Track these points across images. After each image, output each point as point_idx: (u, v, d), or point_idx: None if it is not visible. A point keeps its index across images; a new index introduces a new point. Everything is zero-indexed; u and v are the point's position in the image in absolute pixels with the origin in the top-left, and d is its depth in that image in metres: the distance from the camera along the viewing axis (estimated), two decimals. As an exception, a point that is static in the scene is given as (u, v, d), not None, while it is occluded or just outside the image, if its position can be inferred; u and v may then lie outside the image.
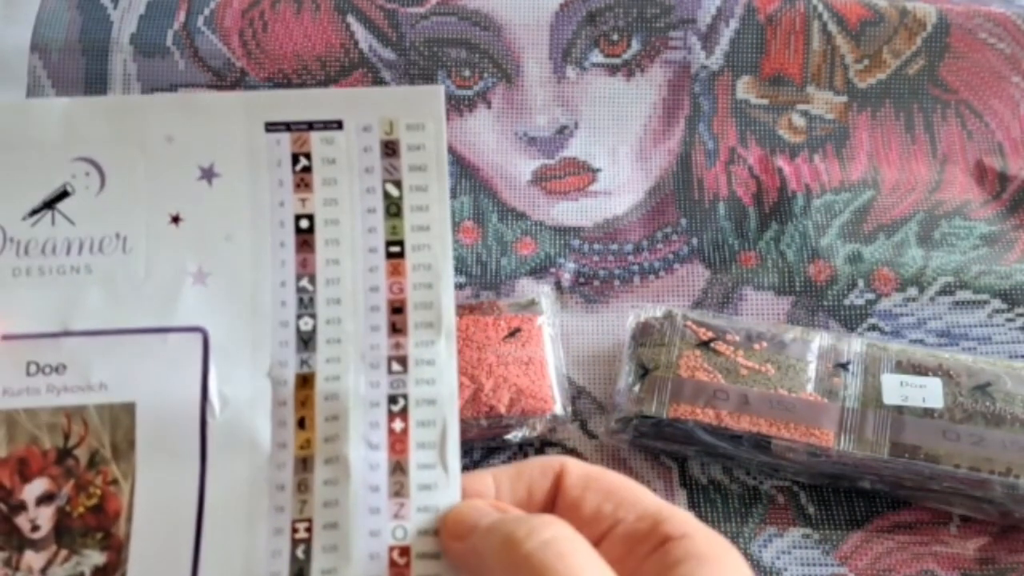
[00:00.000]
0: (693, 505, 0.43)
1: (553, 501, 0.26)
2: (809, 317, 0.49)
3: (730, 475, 0.44)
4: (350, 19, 0.56)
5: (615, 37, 0.56)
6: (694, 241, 0.52)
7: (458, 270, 0.51)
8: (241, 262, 0.27)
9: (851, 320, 0.49)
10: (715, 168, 0.55)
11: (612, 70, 0.56)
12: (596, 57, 0.56)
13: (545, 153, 0.55)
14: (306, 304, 0.27)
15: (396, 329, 0.27)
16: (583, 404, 0.47)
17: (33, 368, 0.27)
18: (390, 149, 0.28)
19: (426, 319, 0.27)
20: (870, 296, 0.49)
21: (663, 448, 0.44)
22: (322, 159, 0.28)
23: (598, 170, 0.55)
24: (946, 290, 0.49)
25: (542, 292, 0.49)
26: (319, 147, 0.28)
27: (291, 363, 0.27)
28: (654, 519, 0.25)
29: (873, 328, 0.48)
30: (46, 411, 0.26)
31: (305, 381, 0.27)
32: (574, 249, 0.52)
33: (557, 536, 0.23)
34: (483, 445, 0.45)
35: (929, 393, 0.42)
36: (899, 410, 0.41)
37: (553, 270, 0.51)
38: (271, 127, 0.28)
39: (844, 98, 0.56)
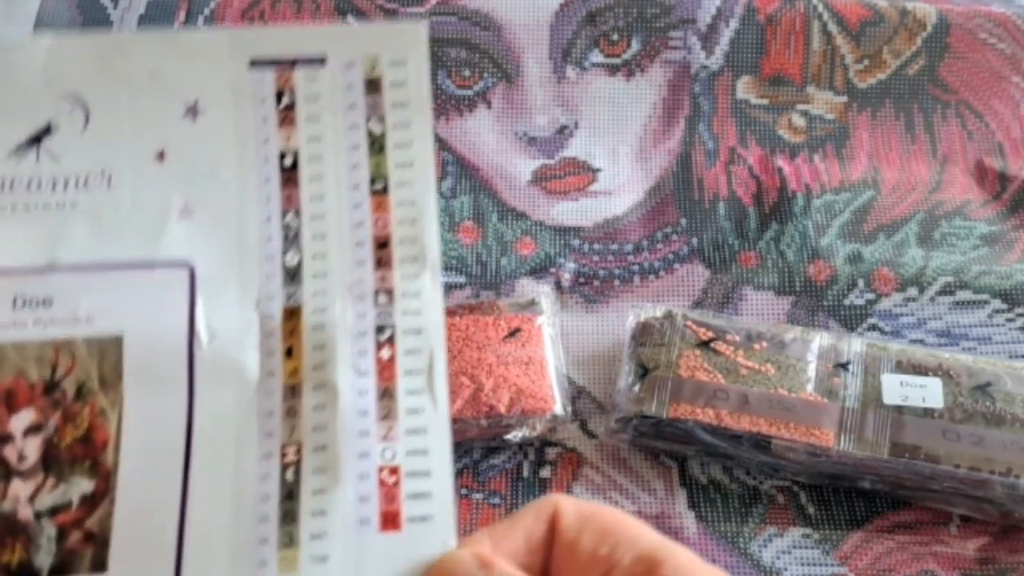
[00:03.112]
0: (693, 505, 0.43)
1: (551, 544, 0.26)
2: (809, 317, 0.49)
3: (730, 475, 0.44)
4: (350, 19, 0.56)
5: (615, 37, 0.56)
6: (694, 241, 0.52)
7: (458, 270, 0.51)
8: (226, 198, 0.28)
9: (851, 320, 0.49)
10: (715, 168, 0.55)
11: (612, 70, 0.56)
12: (596, 57, 0.56)
13: (545, 153, 0.55)
14: (291, 239, 0.28)
15: (381, 263, 0.28)
16: (583, 404, 0.47)
17: (20, 302, 0.27)
18: (373, 87, 0.28)
19: (411, 253, 0.28)
20: (870, 296, 0.49)
21: (663, 448, 0.44)
22: (306, 96, 0.28)
23: (598, 170, 0.55)
24: (946, 290, 0.49)
25: (542, 292, 0.49)
26: (303, 84, 0.28)
27: (278, 296, 0.27)
28: (651, 561, 0.24)
29: (873, 328, 0.48)
30: (33, 344, 0.26)
31: (292, 314, 0.27)
32: (574, 249, 0.52)
33: None
34: (483, 445, 0.45)
35: (929, 393, 0.42)
36: (899, 410, 0.41)
37: (553, 270, 0.51)
38: (255, 63, 0.28)
39: (844, 98, 0.56)
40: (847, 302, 0.49)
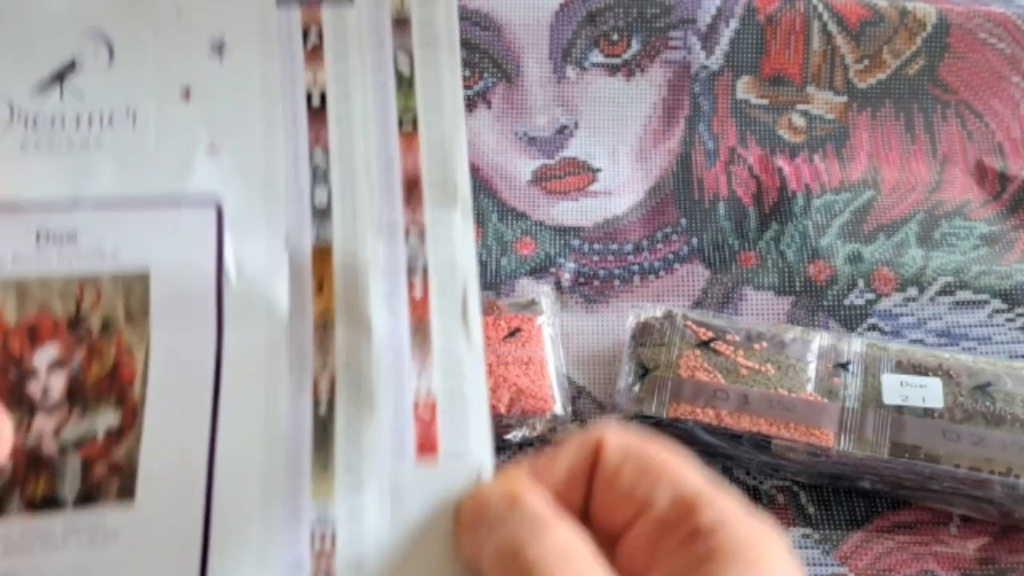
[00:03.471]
0: (693, 505, 0.43)
1: (593, 478, 0.24)
2: (809, 317, 0.49)
3: (730, 475, 0.44)
4: None
5: (615, 37, 0.56)
6: (694, 241, 0.52)
7: (458, 270, 0.51)
8: (253, 136, 0.27)
9: (851, 320, 0.49)
10: (715, 168, 0.55)
11: (612, 70, 0.56)
12: (596, 57, 0.56)
13: (545, 153, 0.55)
14: (320, 178, 0.27)
15: (411, 202, 0.27)
16: (583, 404, 0.47)
17: (44, 237, 0.26)
18: (401, 25, 0.28)
19: (441, 192, 0.27)
20: (870, 296, 0.49)
21: (663, 448, 0.44)
22: (333, 34, 0.28)
23: (598, 170, 0.55)
24: (946, 290, 0.49)
25: (542, 292, 0.49)
26: (330, 22, 0.28)
27: (307, 235, 0.27)
28: (688, 505, 0.22)
29: (873, 328, 0.48)
30: (57, 279, 0.26)
31: (322, 253, 0.27)
32: (574, 249, 0.52)
33: (557, 544, 0.21)
34: (483, 445, 0.45)
35: (929, 393, 0.42)
36: (899, 410, 0.41)
37: (553, 270, 0.51)
38: (282, 2, 0.28)
39: (844, 98, 0.56)
40: (847, 302, 0.49)
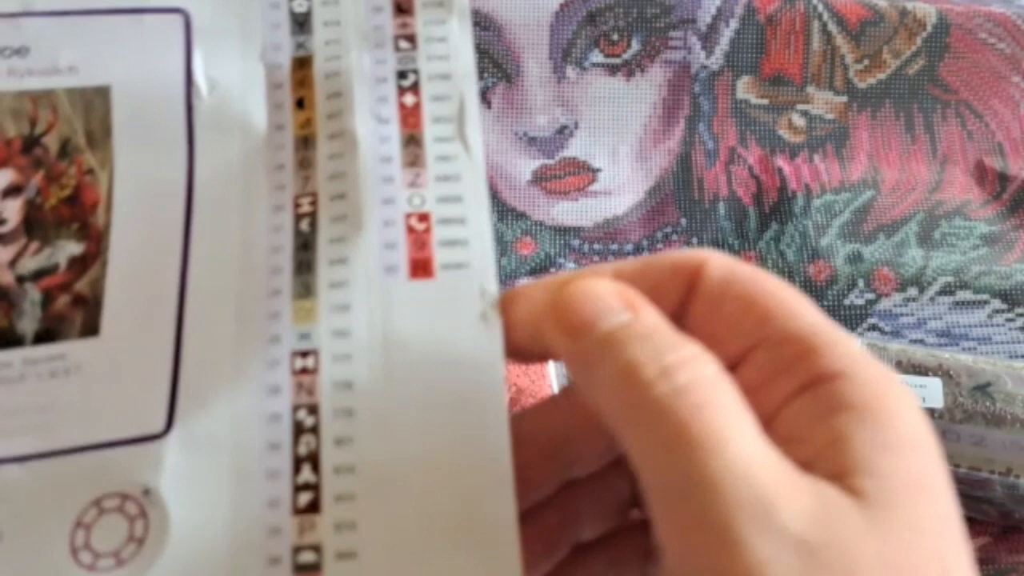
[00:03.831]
0: (693, 505, 0.43)
1: (683, 310, 0.20)
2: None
3: (730, 475, 0.44)
4: None
5: (615, 37, 0.56)
6: (694, 241, 0.52)
7: (458, 270, 0.51)
8: None
9: (851, 320, 0.49)
10: (715, 168, 0.55)
11: (612, 70, 0.56)
12: (596, 57, 0.56)
13: (545, 153, 0.55)
14: None
15: (401, 9, 0.25)
16: (583, 404, 0.47)
17: None
18: None
19: None
20: (870, 296, 0.49)
21: (663, 448, 0.44)
22: None
23: (598, 170, 0.55)
24: (946, 290, 0.49)
25: (542, 292, 0.49)
26: None
27: (286, 46, 0.25)
28: (805, 345, 0.19)
29: (873, 328, 0.48)
30: (8, 95, 0.24)
31: (302, 63, 0.25)
32: (574, 249, 0.52)
33: (698, 380, 0.17)
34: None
35: (929, 393, 0.42)
36: (899, 410, 0.41)
37: (553, 270, 0.51)
38: None
39: (844, 98, 0.56)
40: (847, 302, 0.49)
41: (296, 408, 0.21)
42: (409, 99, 0.24)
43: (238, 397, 0.21)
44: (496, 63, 0.56)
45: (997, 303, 0.49)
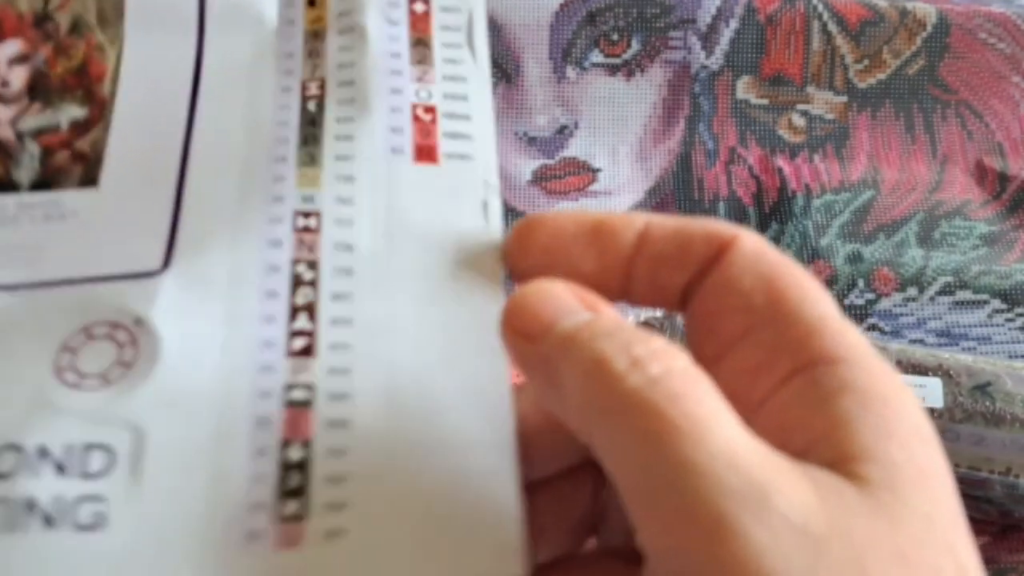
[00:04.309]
0: (693, 505, 0.43)
1: (700, 279, 0.20)
2: (809, 317, 0.49)
3: (730, 475, 0.44)
4: (350, 19, 0.56)
5: (615, 37, 0.56)
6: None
7: (458, 270, 0.51)
8: None
9: (851, 320, 0.49)
10: (715, 168, 0.55)
11: (612, 70, 0.56)
12: (596, 57, 0.56)
13: (545, 153, 0.55)
14: None
15: None
16: (583, 404, 0.47)
17: None
18: None
19: None
20: (870, 296, 0.49)
21: (663, 448, 0.44)
22: None
23: (598, 170, 0.55)
24: (946, 290, 0.49)
25: (542, 292, 0.49)
26: None
27: None
28: (809, 329, 0.18)
29: (873, 328, 0.48)
30: None
31: None
32: (574, 249, 0.52)
33: (672, 371, 0.16)
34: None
35: (929, 393, 0.42)
36: (899, 410, 0.41)
37: (553, 270, 0.51)
38: None
39: (844, 98, 0.56)
40: (847, 302, 0.49)
41: (296, 262, 0.22)
42: (419, 6, 0.25)
43: (238, 245, 0.22)
44: (496, 63, 0.56)
45: (997, 303, 0.49)
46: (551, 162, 0.55)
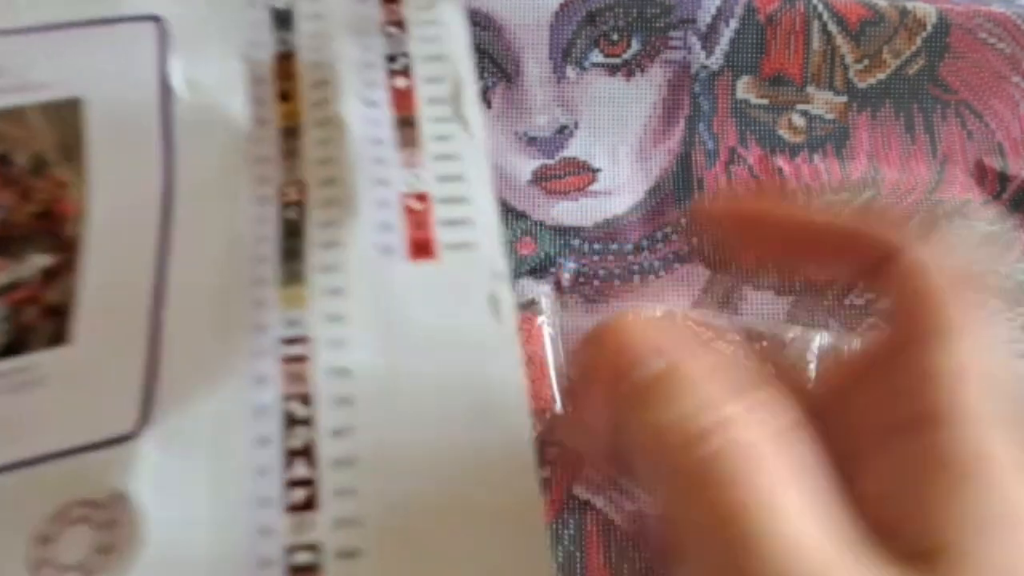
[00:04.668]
0: (693, 505, 0.43)
1: (863, 281, 0.18)
2: (809, 317, 0.49)
3: (730, 475, 0.44)
4: (350, 19, 0.56)
5: (615, 37, 0.56)
6: (694, 241, 0.52)
7: (458, 270, 0.51)
8: None
9: (851, 320, 0.49)
10: (715, 168, 0.55)
11: (612, 70, 0.56)
12: (596, 57, 0.56)
13: (545, 153, 0.55)
14: None
15: None
16: (583, 404, 0.47)
17: None
18: None
19: None
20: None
21: (663, 448, 0.44)
22: None
23: (598, 170, 0.55)
24: (946, 290, 0.49)
25: (542, 292, 0.49)
26: None
27: (267, 43, 0.24)
28: (924, 376, 0.16)
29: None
30: None
31: (285, 57, 0.24)
32: (574, 249, 0.52)
33: (735, 446, 0.15)
34: (483, 445, 0.45)
35: (929, 393, 0.42)
36: (899, 410, 0.41)
37: (553, 270, 0.51)
38: None
39: (844, 98, 0.56)
40: (847, 302, 0.49)
41: (287, 398, 0.20)
42: (400, 82, 0.23)
43: (220, 389, 0.20)
44: (496, 63, 0.56)
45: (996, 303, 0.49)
46: (551, 162, 0.55)
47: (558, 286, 0.51)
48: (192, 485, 0.19)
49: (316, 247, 0.21)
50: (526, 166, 0.55)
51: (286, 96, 0.23)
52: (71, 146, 0.23)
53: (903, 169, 0.55)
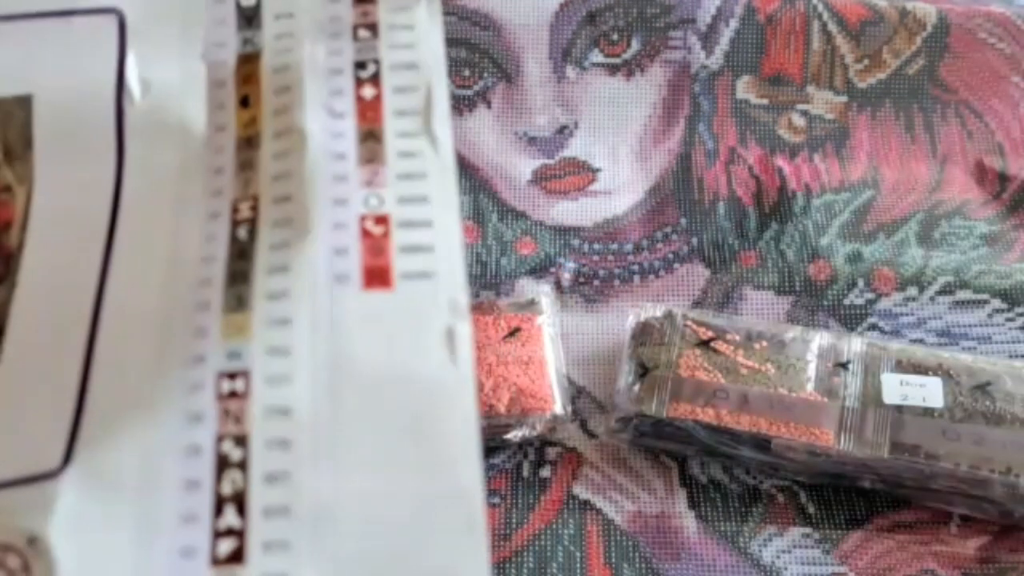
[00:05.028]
0: (693, 504, 0.43)
1: None
2: (809, 316, 0.49)
3: (730, 474, 0.44)
4: (350, 19, 0.56)
5: (615, 37, 0.56)
6: (694, 241, 0.52)
7: (458, 270, 0.51)
8: None
9: (851, 319, 0.49)
10: (715, 168, 0.55)
11: (612, 70, 0.56)
12: (596, 57, 0.56)
13: (545, 153, 0.55)
14: None
15: None
16: (583, 404, 0.47)
17: None
18: None
19: None
20: (870, 296, 0.49)
21: (663, 447, 0.44)
22: None
23: (598, 170, 0.55)
24: (946, 290, 0.49)
25: (542, 292, 0.49)
26: None
27: (231, 43, 0.22)
28: None
29: (873, 327, 0.48)
30: None
31: (249, 59, 0.22)
32: (574, 249, 0.52)
33: None
34: (483, 445, 0.45)
35: (929, 392, 0.42)
36: (899, 409, 0.41)
37: (553, 270, 0.51)
38: None
39: (844, 98, 0.56)
40: (847, 301, 0.49)
41: (221, 439, 0.18)
42: (368, 91, 0.22)
43: (152, 426, 0.18)
44: (496, 63, 0.56)
45: (997, 303, 0.49)
46: (551, 162, 0.55)
47: (558, 286, 0.51)
48: (113, 531, 0.17)
49: (264, 272, 0.20)
50: (526, 166, 0.55)
51: (246, 102, 0.22)
52: (17, 146, 0.21)
53: (903, 169, 0.55)
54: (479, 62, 0.56)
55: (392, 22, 0.22)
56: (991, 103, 0.56)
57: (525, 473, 0.44)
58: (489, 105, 0.56)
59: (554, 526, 0.43)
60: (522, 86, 0.56)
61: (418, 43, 0.22)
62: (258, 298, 0.19)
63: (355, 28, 0.22)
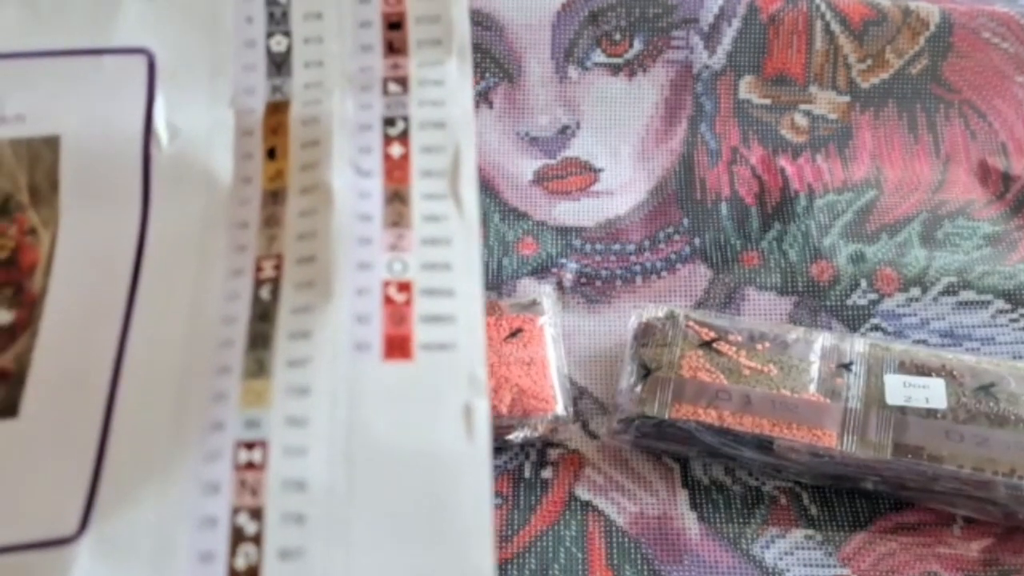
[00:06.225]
0: (695, 506, 0.43)
1: None
2: (812, 317, 0.49)
3: (732, 476, 0.44)
4: None
5: (617, 37, 0.56)
6: (696, 241, 0.52)
7: (460, 270, 0.51)
8: None
9: (854, 320, 0.49)
10: (717, 168, 0.54)
11: (614, 70, 0.56)
12: (598, 57, 0.56)
13: (547, 153, 0.55)
14: (278, 20, 0.22)
15: (394, 48, 0.22)
16: (585, 404, 0.47)
17: None
18: None
19: (432, 35, 0.22)
20: (873, 296, 0.49)
21: (665, 449, 0.44)
22: None
23: (600, 170, 0.55)
24: (949, 290, 0.49)
25: (544, 292, 0.48)
26: None
27: (260, 90, 0.22)
28: None
29: (876, 328, 0.48)
30: None
31: (277, 108, 0.22)
32: (576, 249, 0.52)
33: None
34: (484, 445, 0.45)
35: (932, 394, 0.41)
36: (902, 411, 0.41)
37: (555, 270, 0.51)
38: None
39: (847, 98, 0.56)
40: (850, 302, 0.49)
41: (236, 511, 0.18)
42: (396, 149, 0.21)
43: (167, 495, 0.18)
44: (498, 63, 0.56)
45: (1001, 303, 0.49)
46: (553, 162, 0.55)
47: (560, 286, 0.50)
48: None
49: (286, 337, 0.19)
50: (528, 166, 0.55)
51: (273, 153, 0.21)
52: (44, 188, 0.21)
53: (906, 169, 0.55)
54: (481, 62, 0.56)
55: (423, 77, 0.22)
56: (995, 103, 0.56)
57: (527, 474, 0.44)
58: (491, 105, 0.56)
59: (556, 527, 0.42)
60: (524, 86, 0.56)
61: (448, 100, 0.22)
62: (279, 364, 0.19)
63: (385, 81, 0.22)
